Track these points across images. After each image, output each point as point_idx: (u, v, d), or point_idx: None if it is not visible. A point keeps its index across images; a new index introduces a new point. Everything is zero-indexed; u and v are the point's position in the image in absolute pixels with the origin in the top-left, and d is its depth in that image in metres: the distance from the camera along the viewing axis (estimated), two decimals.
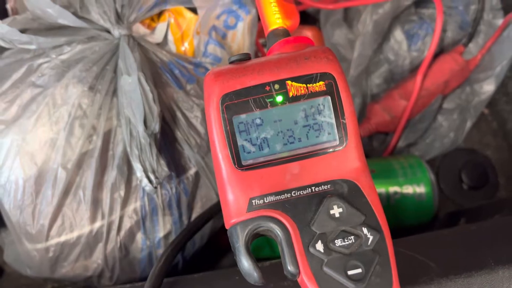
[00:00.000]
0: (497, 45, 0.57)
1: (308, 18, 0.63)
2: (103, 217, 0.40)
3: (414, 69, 0.58)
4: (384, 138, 0.60)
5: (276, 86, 0.27)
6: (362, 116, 0.59)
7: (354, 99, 0.58)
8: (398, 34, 0.58)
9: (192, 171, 0.43)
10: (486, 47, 0.57)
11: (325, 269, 0.25)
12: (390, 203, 0.49)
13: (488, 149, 0.62)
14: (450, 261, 0.32)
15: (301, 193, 0.27)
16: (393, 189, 0.49)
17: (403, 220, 0.50)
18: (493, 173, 0.59)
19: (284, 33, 0.31)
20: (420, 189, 0.49)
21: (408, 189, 0.49)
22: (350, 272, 0.25)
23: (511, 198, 0.55)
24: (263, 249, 0.48)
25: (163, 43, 0.46)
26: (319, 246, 0.26)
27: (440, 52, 0.59)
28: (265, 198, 0.26)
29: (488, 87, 0.58)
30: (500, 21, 0.57)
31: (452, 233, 0.35)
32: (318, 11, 0.61)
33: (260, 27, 0.51)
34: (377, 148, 0.60)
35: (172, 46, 0.45)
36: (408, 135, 0.58)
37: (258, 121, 0.27)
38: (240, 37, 0.45)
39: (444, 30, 0.58)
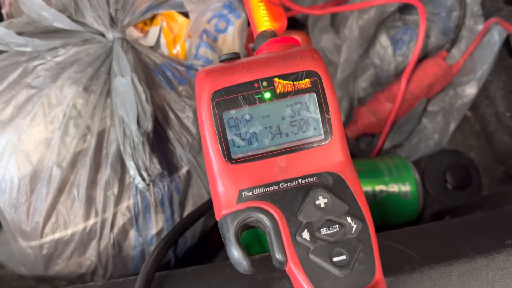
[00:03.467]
0: (478, 50, 0.59)
1: (296, 24, 0.64)
2: (96, 215, 0.41)
3: (399, 73, 0.60)
4: (370, 140, 0.62)
5: (264, 83, 0.28)
6: (349, 119, 0.61)
7: (341, 103, 0.60)
8: (383, 40, 0.60)
9: (184, 170, 0.44)
10: (468, 52, 0.60)
11: (311, 256, 0.26)
12: (376, 201, 0.50)
13: (471, 150, 0.64)
14: (432, 251, 0.33)
15: (289, 185, 0.28)
16: (379, 187, 0.50)
17: (389, 218, 0.51)
18: (476, 174, 0.60)
19: (272, 34, 0.32)
20: (405, 187, 0.51)
21: (394, 188, 0.51)
22: (335, 259, 0.26)
23: (492, 195, 0.56)
24: (253, 247, 0.49)
25: (156, 46, 0.47)
26: (306, 234, 0.27)
27: (424, 57, 0.61)
28: (254, 190, 0.28)
29: (470, 90, 0.60)
30: (481, 27, 0.60)
31: (434, 227, 0.37)
32: (306, 17, 0.63)
33: (250, 32, 0.52)
34: (364, 150, 0.61)
35: (164, 49, 0.47)
36: (393, 137, 0.60)
37: (247, 116, 0.28)
38: (231, 40, 0.46)
39: (427, 36, 0.60)
